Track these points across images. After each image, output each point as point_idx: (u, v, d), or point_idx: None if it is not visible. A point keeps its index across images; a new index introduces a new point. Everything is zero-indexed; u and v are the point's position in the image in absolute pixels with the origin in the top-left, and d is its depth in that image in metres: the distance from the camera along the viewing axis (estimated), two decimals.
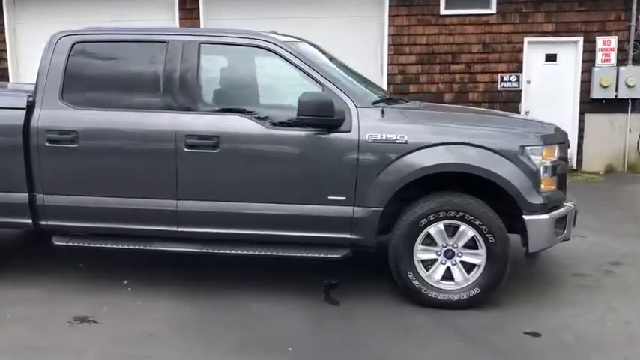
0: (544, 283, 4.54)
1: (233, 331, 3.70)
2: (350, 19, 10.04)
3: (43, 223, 4.32)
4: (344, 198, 3.99)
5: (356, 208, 3.98)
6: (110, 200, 4.19)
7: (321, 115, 3.82)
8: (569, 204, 4.23)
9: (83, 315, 3.92)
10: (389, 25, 9.89)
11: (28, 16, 10.51)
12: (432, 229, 3.96)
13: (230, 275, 4.59)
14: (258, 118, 4.02)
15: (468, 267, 3.99)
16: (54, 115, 4.20)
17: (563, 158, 4.24)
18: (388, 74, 10.00)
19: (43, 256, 5.05)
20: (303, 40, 4.64)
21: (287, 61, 4.07)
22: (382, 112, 4.00)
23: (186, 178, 4.09)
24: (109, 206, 4.20)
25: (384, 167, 3.92)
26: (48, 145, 4.18)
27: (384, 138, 3.93)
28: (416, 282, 3.99)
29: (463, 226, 3.93)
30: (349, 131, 3.94)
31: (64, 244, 4.31)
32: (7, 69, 10.33)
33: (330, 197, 4.00)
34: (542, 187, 3.94)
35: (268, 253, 4.09)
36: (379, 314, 3.95)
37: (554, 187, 4.06)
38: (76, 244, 4.30)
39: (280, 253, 4.08)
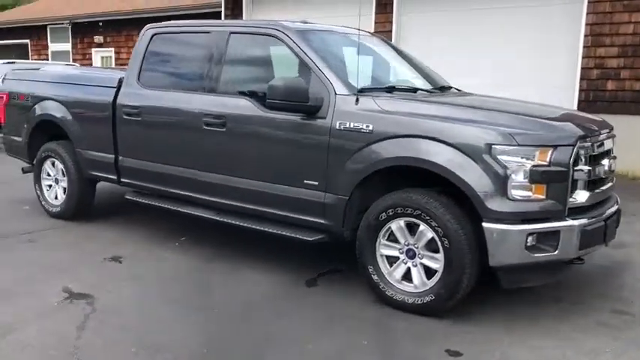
0: (529, 302, 3.92)
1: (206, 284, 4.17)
2: (530, 9, 9.22)
3: (123, 180, 5.36)
4: (317, 183, 4.06)
5: (326, 194, 4.02)
6: (158, 166, 4.99)
7: (292, 100, 3.95)
8: (584, 219, 3.53)
9: (119, 255, 4.82)
10: (587, 13, 8.74)
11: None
12: (394, 225, 3.76)
13: (248, 245, 4.99)
14: (258, 101, 4.33)
15: (431, 271, 3.69)
16: (130, 93, 5.17)
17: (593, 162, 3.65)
18: (582, 68, 8.89)
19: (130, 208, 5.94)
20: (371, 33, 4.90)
21: (290, 48, 4.28)
22: (357, 99, 3.93)
23: (203, 152, 4.65)
24: (157, 170, 5.00)
25: (350, 156, 3.87)
26: (124, 117, 5.17)
27: (351, 126, 3.87)
28: (375, 277, 3.85)
29: (422, 226, 3.65)
30: (324, 117, 3.99)
31: (132, 199, 5.28)
32: None
33: (305, 181, 4.10)
34: (513, 192, 3.41)
35: (251, 226, 4.39)
36: (344, 304, 3.92)
37: (541, 196, 3.45)
38: (139, 200, 5.23)
39: (258, 227, 4.35)
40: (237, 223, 4.48)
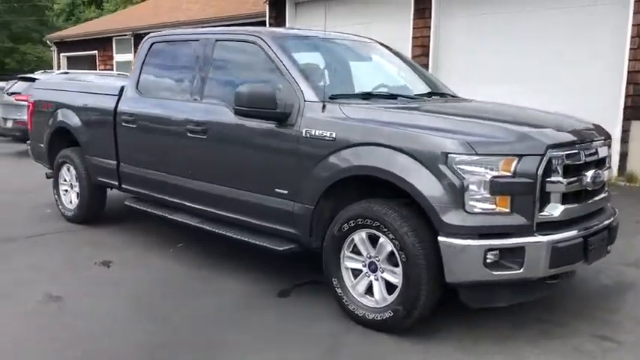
0: (506, 322, 3.62)
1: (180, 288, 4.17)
2: (572, 10, 8.75)
3: (123, 185, 5.47)
4: (286, 192, 3.97)
5: (295, 203, 3.92)
6: (150, 172, 5.05)
7: (258, 107, 3.88)
8: (556, 235, 3.25)
9: (109, 260, 4.91)
10: (634, 13, 8.17)
11: None
12: (356, 237, 3.61)
13: (241, 253, 4.94)
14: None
15: (393, 286, 3.51)
16: (129, 101, 5.27)
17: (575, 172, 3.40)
18: (628, 72, 8.29)
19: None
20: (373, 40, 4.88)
21: (266, 54, 4.21)
22: (323, 106, 3.81)
23: (187, 159, 4.66)
24: (149, 177, 5.06)
25: (316, 164, 3.76)
26: (123, 124, 5.27)
27: (316, 134, 3.76)
28: (339, 290, 3.71)
29: (382, 238, 3.48)
30: (293, 125, 3.89)
31: (130, 205, 5.38)
32: None
33: (276, 189, 4.02)
34: (472, 205, 3.19)
35: (226, 233, 4.35)
36: (308, 317, 3.80)
37: (505, 209, 3.21)
38: (136, 206, 5.31)
39: (232, 235, 4.30)
40: (214, 230, 4.46)
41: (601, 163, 3.73)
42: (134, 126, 5.14)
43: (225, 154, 4.38)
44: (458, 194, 3.19)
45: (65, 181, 6.24)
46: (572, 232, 3.36)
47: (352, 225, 3.58)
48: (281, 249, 4.03)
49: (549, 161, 3.27)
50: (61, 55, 22.48)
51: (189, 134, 4.57)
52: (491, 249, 3.17)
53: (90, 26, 23.12)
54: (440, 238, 3.23)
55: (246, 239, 4.22)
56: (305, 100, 3.88)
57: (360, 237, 3.59)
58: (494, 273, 3.19)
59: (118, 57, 19.95)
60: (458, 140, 3.23)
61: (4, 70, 35.11)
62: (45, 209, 6.63)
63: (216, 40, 4.64)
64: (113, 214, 6.29)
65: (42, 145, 6.51)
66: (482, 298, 3.40)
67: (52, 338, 3.48)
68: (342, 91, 4.10)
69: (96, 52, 20.64)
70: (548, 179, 3.28)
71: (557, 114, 4.18)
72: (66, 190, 6.26)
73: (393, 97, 4.24)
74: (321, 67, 4.34)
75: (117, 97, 5.40)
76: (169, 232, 5.61)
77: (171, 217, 4.89)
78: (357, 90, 4.37)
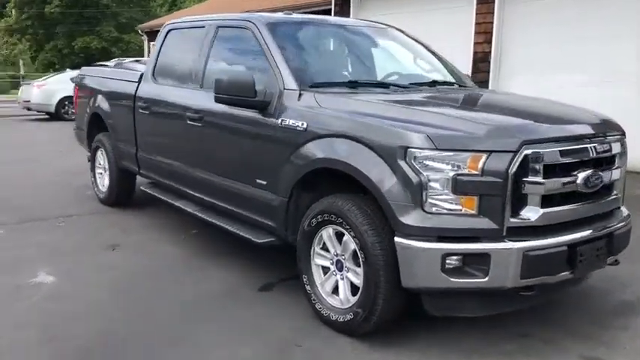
0: (484, 336, 3.27)
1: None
2: None
3: (141, 171, 5.57)
4: (265, 182, 3.84)
5: (272, 195, 3.79)
6: (159, 158, 5.11)
7: (237, 95, 3.76)
8: (530, 242, 2.91)
9: (117, 243, 5.01)
10: None
11: None
12: (324, 233, 3.43)
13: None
14: None
15: (357, 287, 3.30)
16: (145, 87, 5.34)
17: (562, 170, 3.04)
18: None
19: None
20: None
21: (257, 40, 4.08)
22: (300, 95, 3.63)
23: (187, 146, 4.65)
24: (159, 163, 5.11)
25: (289, 155, 3.60)
26: (140, 110, 5.35)
27: (290, 123, 3.60)
28: (308, 287, 3.55)
29: (346, 236, 3.27)
30: (272, 114, 3.75)
31: (145, 190, 5.47)
32: None
33: (257, 180, 3.91)
34: (431, 204, 2.91)
35: (213, 221, 4.30)
36: (280, 315, 3.67)
37: (471, 211, 2.90)
38: (149, 192, 5.39)
39: (217, 223, 4.25)
40: (206, 218, 4.43)
41: (605, 162, 3.30)
42: (147, 112, 5.21)
43: (217, 143, 4.32)
44: (416, 192, 2.92)
45: (99, 164, 6.47)
46: (553, 240, 2.99)
47: (320, 220, 3.40)
48: (259, 241, 3.92)
49: (525, 159, 2.92)
50: (151, 43, 23.47)
51: (189, 122, 4.54)
52: (450, 254, 2.88)
53: (177, 16, 23.95)
54: (396, 239, 2.98)
55: (229, 229, 4.15)
56: (284, 88, 3.73)
57: (327, 233, 3.41)
58: (453, 280, 2.89)
59: None
60: (418, 133, 2.95)
61: (109, 59, 37.44)
62: (87, 191, 6.90)
63: (218, 27, 4.58)
64: (142, 198, 6.43)
65: (83, 129, 6.77)
66: (446, 307, 3.12)
67: (16, 318, 3.57)
68: (328, 79, 3.90)
69: None
70: (525, 179, 2.93)
71: (571, 107, 3.76)
72: (100, 174, 6.48)
73: (385, 86, 3.98)
74: (311, 54, 4.16)
75: (137, 84, 5.49)
76: (188, 219, 5.64)
77: (175, 203, 4.92)
78: (352, 78, 4.12)
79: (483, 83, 9.86)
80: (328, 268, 3.48)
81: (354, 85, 3.89)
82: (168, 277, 4.28)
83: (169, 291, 4.03)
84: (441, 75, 4.50)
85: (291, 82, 3.73)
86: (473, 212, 2.91)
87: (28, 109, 17.76)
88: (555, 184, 3.00)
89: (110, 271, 4.39)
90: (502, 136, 2.95)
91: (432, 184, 2.90)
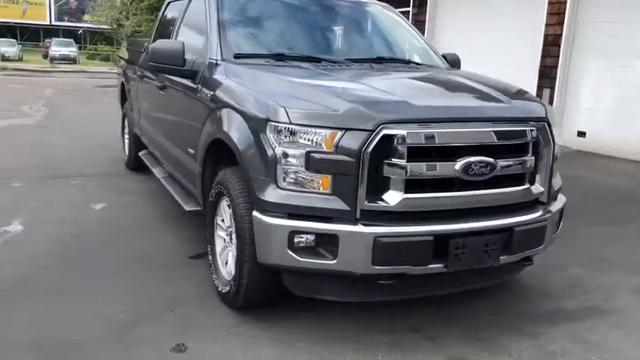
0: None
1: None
2: None
3: (142, 137, 5.86)
4: (193, 152, 3.91)
5: (195, 164, 3.84)
6: (146, 125, 5.36)
7: (167, 64, 3.84)
8: (384, 228, 2.74)
9: (110, 203, 5.35)
10: None
11: None
12: (221, 205, 3.44)
13: None
14: None
15: None
16: (144, 56, 5.59)
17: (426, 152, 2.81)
18: None
19: None
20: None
21: (205, 11, 4.12)
22: (216, 64, 3.64)
23: (157, 115, 4.85)
24: (147, 130, 5.37)
25: (202, 125, 3.63)
26: (138, 80, 5.63)
27: (204, 93, 3.62)
28: (210, 257, 3.58)
29: (231, 208, 3.26)
30: (198, 84, 3.79)
31: (141, 156, 5.76)
32: None
33: (188, 149, 3.98)
34: (284, 180, 2.82)
35: (165, 184, 4.49)
36: (193, 285, 3.71)
37: (325, 190, 2.77)
38: (143, 158, 5.68)
39: (166, 185, 4.42)
40: (164, 183, 4.62)
41: (509, 150, 2.99)
42: (141, 81, 5.47)
43: (170, 111, 4.46)
44: (271, 167, 2.84)
45: (126, 130, 6.89)
46: (413, 228, 2.78)
47: (217, 191, 3.41)
48: (187, 209, 4.01)
49: (386, 140, 2.73)
50: None
51: (160, 91, 4.71)
52: (297, 232, 2.78)
53: None
54: (253, 213, 2.92)
55: (173, 194, 4.30)
56: (209, 58, 3.76)
57: (223, 205, 3.41)
58: (302, 259, 2.79)
59: None
60: (278, 107, 2.86)
61: None
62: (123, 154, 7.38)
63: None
64: None
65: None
66: (306, 288, 3.03)
67: None
68: (254, 50, 3.86)
69: None
70: (387, 161, 2.75)
71: (493, 89, 3.40)
72: (127, 138, 6.91)
73: (315, 60, 3.82)
74: (252, 25, 4.12)
75: (142, 54, 5.76)
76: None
77: (152, 169, 5.14)
78: (288, 51, 3.96)
79: (552, 69, 9.16)
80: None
81: (280, 57, 3.81)
82: (126, 238, 4.47)
83: (111, 247, 4.24)
84: (393, 53, 4.27)
85: (216, 53, 3.75)
86: (326, 191, 2.78)
87: None
88: (422, 168, 2.77)
89: (74, 224, 4.70)
90: (359, 115, 2.77)
91: (286, 159, 2.81)
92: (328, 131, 2.75)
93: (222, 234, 3.49)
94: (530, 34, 9.42)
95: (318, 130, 2.76)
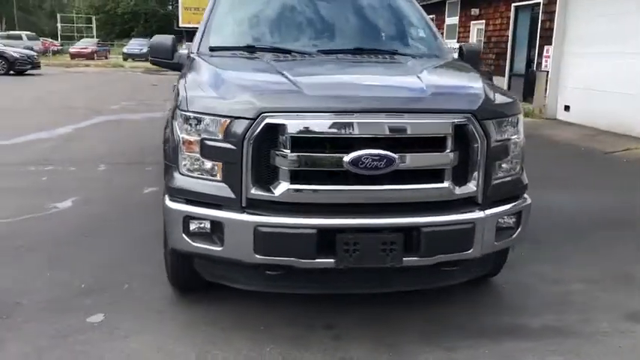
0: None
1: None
2: None
3: None
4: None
5: None
6: None
7: (159, 57, 4.11)
8: (266, 218, 2.72)
9: (144, 190, 5.83)
10: None
11: None
12: None
13: None
14: None
15: None
16: None
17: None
18: None
19: None
20: None
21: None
22: (189, 57, 3.81)
23: None
24: None
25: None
26: None
27: (175, 86, 3.81)
28: None
29: None
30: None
31: None
32: None
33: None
34: (183, 165, 2.90)
35: None
36: None
37: (217, 177, 2.81)
38: None
39: None
40: None
41: (417, 144, 2.77)
42: None
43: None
44: (175, 153, 2.95)
45: None
46: (295, 220, 2.71)
47: None
48: None
49: (271, 129, 2.70)
50: None
51: None
52: (191, 217, 2.86)
53: None
54: (164, 198, 3.06)
55: None
56: (191, 51, 3.96)
57: None
58: (195, 244, 2.86)
59: (448, 20, 20.27)
60: (184, 94, 2.95)
61: None
62: None
63: None
64: None
65: None
66: (215, 274, 3.09)
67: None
68: (228, 43, 3.95)
69: (434, 16, 21.34)
70: (274, 151, 2.72)
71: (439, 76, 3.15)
72: None
73: (285, 52, 3.80)
74: (240, 17, 4.22)
75: None
76: None
77: None
78: (269, 44, 3.93)
79: None
80: None
81: (252, 50, 3.85)
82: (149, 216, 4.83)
83: (135, 224, 4.66)
84: (378, 43, 4.07)
85: (196, 46, 3.94)
86: (218, 179, 2.83)
87: None
88: (306, 159, 2.69)
89: (117, 205, 5.22)
90: (243, 103, 2.76)
91: (186, 145, 2.89)
92: (220, 119, 2.79)
93: None
94: None
95: (212, 118, 2.81)
